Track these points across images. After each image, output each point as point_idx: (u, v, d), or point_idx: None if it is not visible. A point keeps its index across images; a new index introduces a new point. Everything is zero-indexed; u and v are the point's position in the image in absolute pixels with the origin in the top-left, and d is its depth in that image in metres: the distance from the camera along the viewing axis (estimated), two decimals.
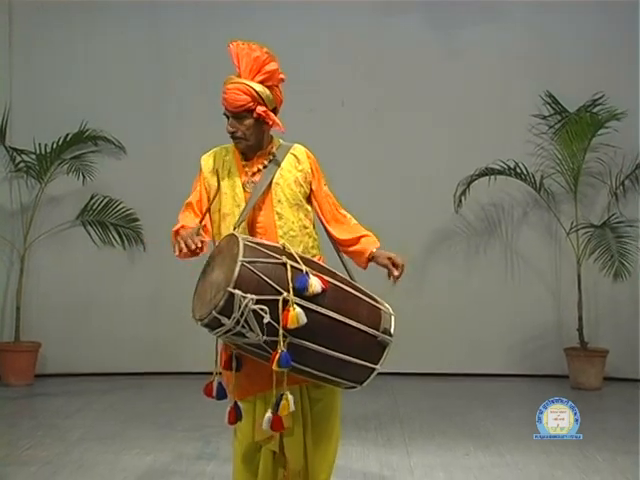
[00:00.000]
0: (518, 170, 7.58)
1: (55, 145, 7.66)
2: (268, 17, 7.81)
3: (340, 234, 3.55)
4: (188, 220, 3.47)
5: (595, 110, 7.60)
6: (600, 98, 7.63)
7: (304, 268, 3.12)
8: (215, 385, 3.39)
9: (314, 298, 3.10)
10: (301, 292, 3.07)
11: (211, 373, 3.42)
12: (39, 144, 7.65)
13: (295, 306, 3.04)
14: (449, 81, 7.87)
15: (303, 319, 3.04)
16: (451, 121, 7.86)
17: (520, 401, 6.93)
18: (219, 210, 3.47)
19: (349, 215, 3.62)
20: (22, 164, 7.74)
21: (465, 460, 5.23)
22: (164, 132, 7.93)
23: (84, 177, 7.69)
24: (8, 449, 5.42)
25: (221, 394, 3.40)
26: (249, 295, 2.99)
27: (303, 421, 3.44)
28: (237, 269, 3.00)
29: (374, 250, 3.50)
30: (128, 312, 7.90)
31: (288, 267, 3.09)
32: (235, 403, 3.39)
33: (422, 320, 7.57)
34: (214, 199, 3.46)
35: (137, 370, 7.86)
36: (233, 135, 3.43)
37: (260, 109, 3.39)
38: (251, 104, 3.37)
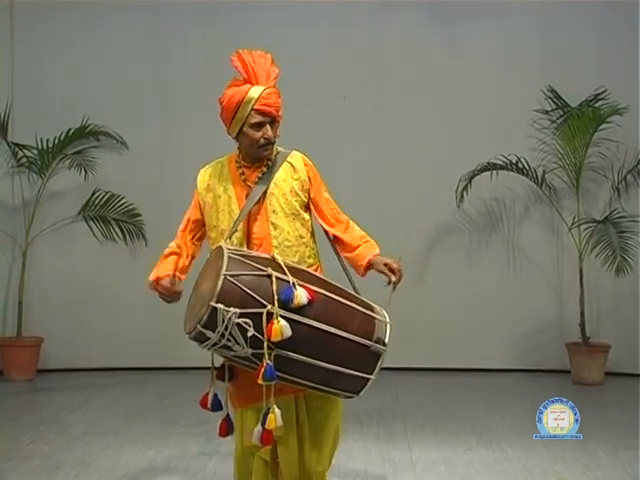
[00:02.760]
0: (520, 165, 7.58)
1: (57, 140, 7.67)
2: (269, 13, 7.81)
3: (344, 236, 3.53)
4: (162, 268, 3.46)
5: (597, 105, 7.59)
6: (602, 93, 7.62)
7: (291, 279, 3.09)
8: (210, 397, 3.40)
9: (300, 310, 3.07)
10: (286, 304, 3.05)
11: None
12: (41, 139, 7.67)
13: (280, 319, 3.02)
14: (450, 76, 7.87)
15: (287, 332, 3.02)
16: (453, 116, 7.86)
17: (522, 396, 6.93)
18: (215, 227, 3.47)
19: (351, 221, 3.59)
20: (24, 159, 7.75)
21: (467, 455, 5.23)
22: (165, 127, 7.94)
23: (86, 172, 7.71)
24: (10, 444, 5.44)
25: (216, 405, 3.40)
26: (232, 309, 2.98)
27: (299, 431, 3.44)
28: (220, 283, 2.99)
29: (372, 257, 3.46)
30: (130, 307, 7.90)
31: (273, 279, 3.07)
32: (227, 415, 3.40)
33: (424, 315, 7.58)
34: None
35: (139, 365, 7.88)
36: (270, 141, 3.41)
37: (281, 113, 3.45)
38: (281, 108, 3.45)
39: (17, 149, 7.72)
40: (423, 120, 7.86)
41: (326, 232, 3.57)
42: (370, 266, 3.47)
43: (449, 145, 7.83)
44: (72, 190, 7.91)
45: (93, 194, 7.85)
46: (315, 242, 3.55)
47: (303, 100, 7.26)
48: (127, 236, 7.93)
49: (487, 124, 7.82)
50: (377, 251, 3.50)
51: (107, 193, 7.85)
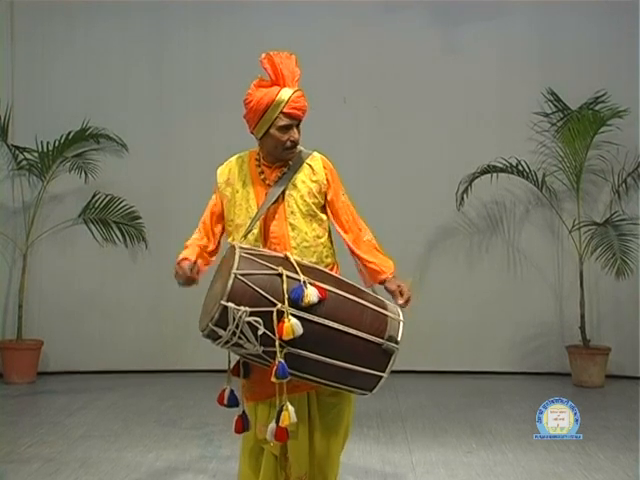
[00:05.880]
0: (520, 168, 7.58)
1: (57, 143, 7.67)
2: (268, 14, 7.82)
3: (357, 248, 3.53)
4: (190, 250, 3.51)
5: (597, 108, 7.59)
6: (602, 96, 7.63)
7: (302, 278, 3.12)
8: (227, 393, 3.41)
9: (311, 308, 3.10)
10: (297, 303, 3.07)
11: (213, 371, 3.43)
12: (41, 142, 7.67)
13: (290, 317, 3.04)
14: (450, 78, 7.87)
15: (298, 330, 3.04)
16: (453, 118, 7.87)
17: (522, 399, 6.92)
18: (232, 221, 3.49)
19: (367, 232, 3.59)
20: (24, 162, 7.75)
21: (467, 457, 5.23)
22: (166, 130, 7.94)
23: (86, 175, 7.70)
24: (10, 447, 5.43)
25: (232, 402, 3.42)
26: (242, 307, 3.02)
27: (310, 427, 3.46)
28: (230, 282, 3.03)
29: (389, 276, 3.49)
30: (130, 310, 7.92)
31: (284, 278, 3.10)
32: (243, 412, 3.42)
33: (424, 317, 7.53)
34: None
35: (139, 368, 7.87)
36: (296, 144, 3.43)
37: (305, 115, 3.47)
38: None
39: (17, 152, 7.72)
40: (423, 122, 7.87)
41: (341, 235, 3.57)
42: (383, 282, 3.50)
43: (449, 147, 7.84)
44: (72, 193, 7.91)
45: (93, 197, 7.85)
46: (332, 241, 3.56)
47: None
48: (127, 239, 7.93)
49: (487, 126, 7.83)
50: (394, 269, 3.52)
51: (107, 196, 7.86)
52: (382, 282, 3.50)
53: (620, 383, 7.49)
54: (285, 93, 3.37)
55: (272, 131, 3.39)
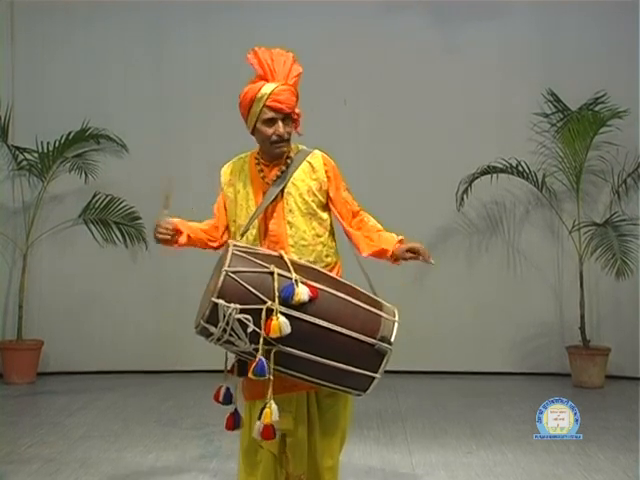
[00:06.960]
0: (520, 168, 7.58)
1: (57, 143, 7.67)
2: (269, 14, 7.82)
3: (361, 247, 3.51)
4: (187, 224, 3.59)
5: (597, 108, 7.59)
6: (602, 96, 7.63)
7: (293, 276, 3.12)
8: (223, 390, 3.41)
9: (302, 307, 3.09)
10: (287, 301, 3.07)
11: (213, 371, 3.43)
12: (41, 142, 7.67)
13: (279, 315, 3.04)
14: (451, 79, 7.87)
15: (286, 329, 3.04)
16: (452, 119, 7.86)
17: (522, 399, 6.92)
18: (234, 221, 3.51)
19: (366, 218, 3.57)
20: (24, 162, 7.75)
21: (467, 458, 5.23)
22: (166, 130, 7.94)
23: (86, 175, 7.71)
24: (10, 447, 5.43)
25: (227, 399, 3.42)
26: (232, 304, 3.03)
27: (309, 426, 3.46)
28: (221, 279, 3.05)
29: (392, 251, 3.46)
30: (130, 310, 7.92)
31: (275, 276, 3.10)
32: (235, 410, 3.42)
33: (423, 318, 7.56)
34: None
35: (140, 368, 7.87)
36: (282, 138, 3.42)
37: (297, 111, 3.47)
38: (295, 106, 3.45)
39: (18, 152, 7.72)
40: (423, 123, 7.87)
41: (346, 230, 3.55)
42: (396, 259, 3.47)
43: (449, 148, 7.83)
44: (72, 193, 7.91)
45: (93, 197, 7.85)
46: (334, 240, 3.55)
47: (303, 104, 7.24)
48: (127, 239, 7.93)
49: (487, 127, 7.83)
50: (395, 242, 3.48)
51: (107, 196, 7.86)
52: (393, 259, 3.46)
53: (620, 384, 7.49)
54: (268, 87, 3.38)
55: (259, 125, 3.41)
